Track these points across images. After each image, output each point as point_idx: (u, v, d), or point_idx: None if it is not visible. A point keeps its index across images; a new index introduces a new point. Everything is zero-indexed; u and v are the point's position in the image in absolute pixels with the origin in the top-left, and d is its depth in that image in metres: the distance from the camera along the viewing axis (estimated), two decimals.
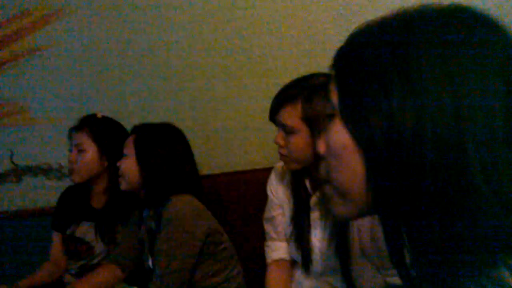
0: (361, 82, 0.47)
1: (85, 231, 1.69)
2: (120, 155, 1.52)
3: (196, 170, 1.53)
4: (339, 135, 0.50)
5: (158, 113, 1.87)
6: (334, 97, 0.51)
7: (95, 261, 1.67)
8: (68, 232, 1.71)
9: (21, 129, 2.04)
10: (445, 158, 0.43)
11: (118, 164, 1.52)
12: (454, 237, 0.44)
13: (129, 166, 1.47)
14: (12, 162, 2.07)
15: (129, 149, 1.48)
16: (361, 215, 0.54)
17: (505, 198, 0.43)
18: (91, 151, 1.64)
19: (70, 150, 1.68)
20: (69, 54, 1.95)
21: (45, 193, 2.03)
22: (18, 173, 2.08)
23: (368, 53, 0.48)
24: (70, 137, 1.69)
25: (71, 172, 1.67)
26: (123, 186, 1.51)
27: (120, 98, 1.93)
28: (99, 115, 1.71)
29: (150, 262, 1.49)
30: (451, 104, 0.43)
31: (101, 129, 1.66)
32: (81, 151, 1.64)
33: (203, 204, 1.47)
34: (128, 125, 1.60)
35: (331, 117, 0.52)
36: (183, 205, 1.40)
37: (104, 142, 1.64)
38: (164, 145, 1.47)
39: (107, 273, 1.57)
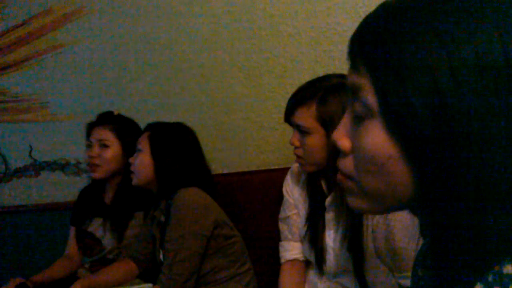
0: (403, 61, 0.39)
1: (97, 226, 1.71)
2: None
3: (205, 166, 1.57)
4: (380, 142, 0.42)
5: (176, 111, 1.89)
6: (369, 95, 0.42)
7: (106, 256, 1.68)
8: (83, 227, 1.74)
9: (41, 124, 2.06)
10: None
11: (130, 160, 1.54)
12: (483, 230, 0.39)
13: (143, 160, 1.50)
14: (31, 157, 2.10)
15: (143, 145, 1.52)
16: (382, 212, 0.50)
17: None
18: (114, 147, 1.66)
19: (89, 146, 1.69)
20: (90, 51, 1.97)
21: (62, 188, 2.06)
22: (37, 168, 2.10)
23: (405, 20, 0.41)
24: (89, 133, 1.70)
25: (93, 167, 1.66)
26: (135, 181, 1.53)
27: (139, 96, 1.95)
28: (115, 113, 1.73)
29: (161, 256, 1.52)
30: None
31: (124, 126, 1.69)
32: (104, 146, 1.65)
33: (213, 199, 1.49)
34: (146, 122, 1.61)
35: (361, 119, 0.44)
36: (190, 195, 1.44)
37: (127, 139, 1.67)
38: (177, 142, 1.52)
39: (122, 268, 1.59)
